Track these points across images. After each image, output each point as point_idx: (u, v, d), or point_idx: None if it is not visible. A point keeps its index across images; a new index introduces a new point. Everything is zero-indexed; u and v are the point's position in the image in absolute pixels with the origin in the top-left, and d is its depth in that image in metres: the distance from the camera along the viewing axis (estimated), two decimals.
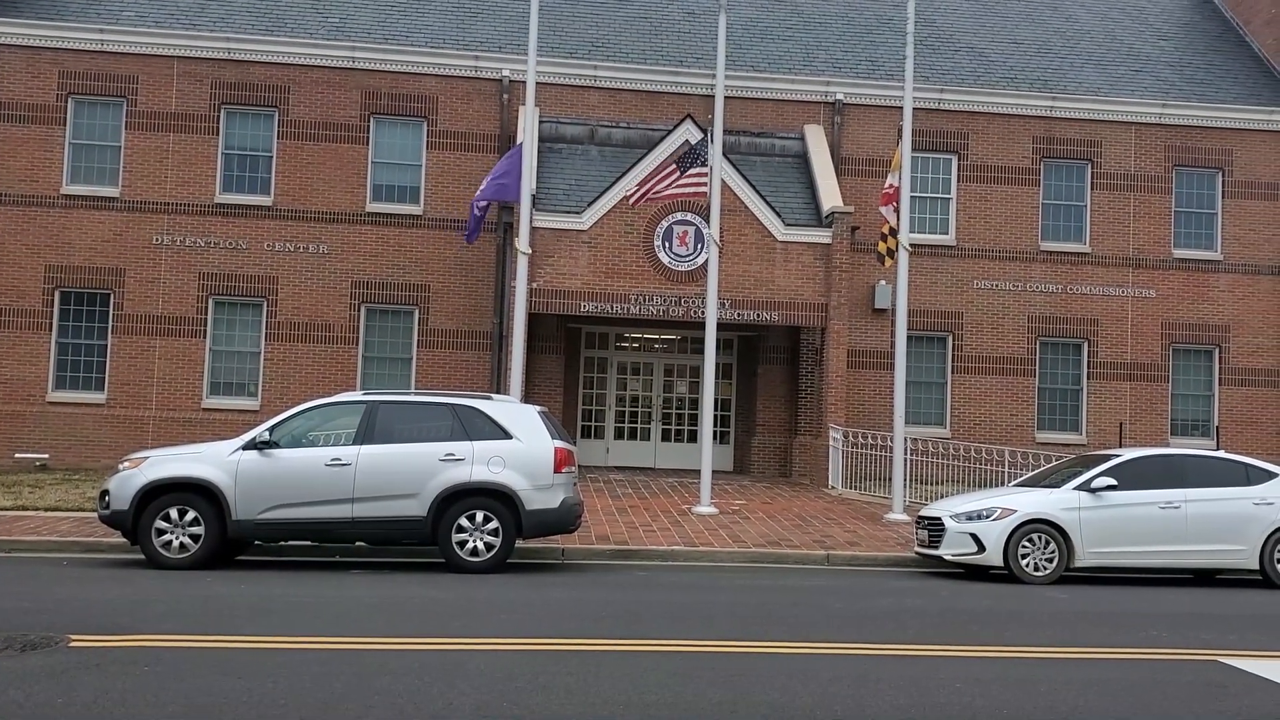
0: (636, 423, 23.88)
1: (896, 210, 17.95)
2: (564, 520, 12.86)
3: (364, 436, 12.54)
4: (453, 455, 12.50)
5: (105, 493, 12.42)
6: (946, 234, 23.96)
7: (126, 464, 12.56)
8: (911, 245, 19.12)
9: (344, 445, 12.54)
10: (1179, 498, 13.77)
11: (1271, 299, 24.49)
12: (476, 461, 12.50)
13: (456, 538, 12.43)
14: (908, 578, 13.64)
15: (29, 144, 22.38)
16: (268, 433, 12.54)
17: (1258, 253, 24.51)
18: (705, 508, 17.09)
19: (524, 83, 17.99)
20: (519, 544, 13.01)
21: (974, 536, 13.59)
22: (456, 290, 22.82)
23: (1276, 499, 13.96)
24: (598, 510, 16.87)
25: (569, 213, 21.12)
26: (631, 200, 18.98)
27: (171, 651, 7.77)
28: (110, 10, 23.38)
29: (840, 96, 23.74)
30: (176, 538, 12.17)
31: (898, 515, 17.41)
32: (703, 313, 18.86)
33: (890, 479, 18.29)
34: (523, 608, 10.24)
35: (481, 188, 17.48)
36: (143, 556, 12.29)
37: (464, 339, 22.81)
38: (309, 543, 13.41)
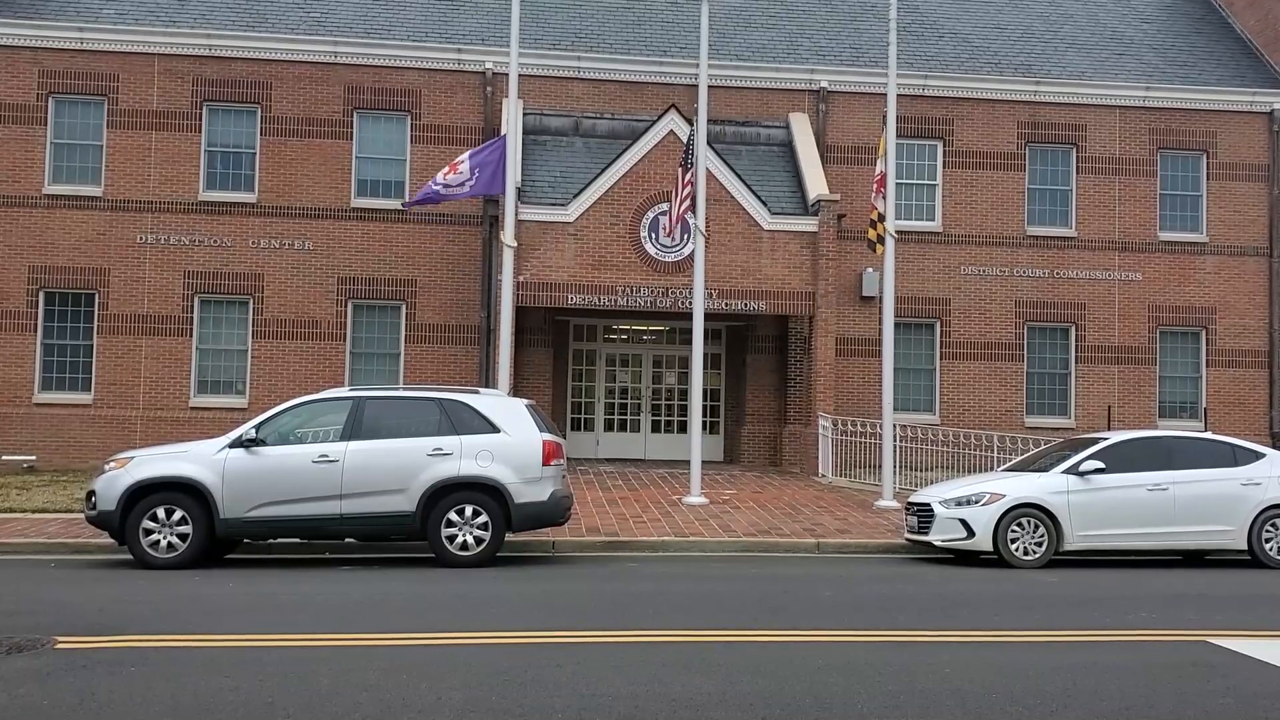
0: (626, 414, 23.85)
1: (884, 197, 17.93)
2: (553, 513, 12.85)
3: (351, 432, 12.50)
4: (440, 450, 12.48)
5: (92, 493, 12.36)
6: (933, 220, 23.95)
7: (113, 464, 12.49)
8: (898, 232, 19.12)
9: (331, 442, 12.49)
10: (1167, 480, 13.80)
11: (1257, 280, 24.55)
12: (465, 456, 12.47)
13: (446, 532, 12.41)
14: (898, 564, 13.66)
15: (9, 144, 22.22)
16: (254, 430, 12.49)
17: (1243, 234, 24.56)
18: (695, 498, 17.09)
19: (507, 75, 17.88)
20: (509, 537, 13.01)
21: (963, 522, 13.62)
22: (443, 285, 22.75)
23: (1264, 479, 14.01)
24: (588, 502, 16.86)
25: (555, 205, 21.07)
26: (673, 224, 18.91)
27: (158, 652, 7.74)
28: (90, 8, 23.21)
29: (825, 84, 23.69)
30: (164, 537, 12.12)
31: (888, 502, 17.44)
32: (690, 303, 18.83)
33: (880, 466, 18.28)
34: (512, 601, 10.22)
35: (462, 178, 17.14)
36: (131, 557, 12.25)
37: (451, 333, 22.75)
38: (298, 540, 13.37)
